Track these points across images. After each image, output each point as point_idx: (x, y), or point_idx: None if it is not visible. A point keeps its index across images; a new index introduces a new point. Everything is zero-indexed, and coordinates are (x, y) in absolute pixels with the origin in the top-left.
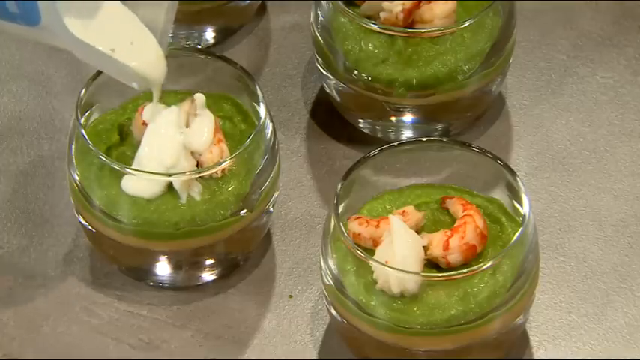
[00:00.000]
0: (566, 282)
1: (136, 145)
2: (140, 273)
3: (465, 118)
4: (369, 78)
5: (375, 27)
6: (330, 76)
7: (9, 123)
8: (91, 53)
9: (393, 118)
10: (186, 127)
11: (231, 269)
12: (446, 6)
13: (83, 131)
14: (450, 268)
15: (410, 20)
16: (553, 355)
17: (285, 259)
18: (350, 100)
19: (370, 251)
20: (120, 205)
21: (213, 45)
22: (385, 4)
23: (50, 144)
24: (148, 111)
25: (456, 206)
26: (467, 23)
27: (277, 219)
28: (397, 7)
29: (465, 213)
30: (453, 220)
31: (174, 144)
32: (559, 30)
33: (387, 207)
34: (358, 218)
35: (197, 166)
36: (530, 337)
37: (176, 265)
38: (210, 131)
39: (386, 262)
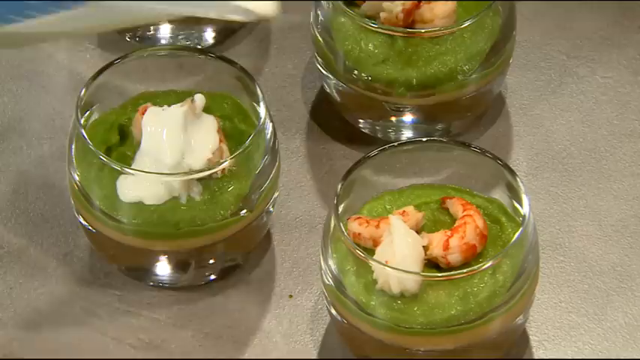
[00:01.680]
0: (566, 282)
1: (135, 145)
2: (140, 273)
3: (465, 118)
4: (369, 78)
5: (375, 27)
6: (330, 76)
7: (9, 123)
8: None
9: (393, 118)
10: (186, 127)
11: (231, 269)
12: (446, 6)
13: (83, 131)
14: (449, 268)
15: (410, 20)
16: (553, 355)
17: (285, 259)
18: (350, 100)
19: (370, 251)
20: (120, 205)
21: (213, 45)
22: (385, 4)
23: (50, 144)
24: (149, 114)
25: (456, 206)
26: (467, 23)
27: (277, 219)
28: (397, 7)
29: (464, 213)
30: (453, 220)
31: (175, 145)
32: (559, 30)
33: (387, 207)
34: (358, 218)
35: None
36: (530, 337)
37: (176, 265)
38: (212, 149)
39: (386, 262)
